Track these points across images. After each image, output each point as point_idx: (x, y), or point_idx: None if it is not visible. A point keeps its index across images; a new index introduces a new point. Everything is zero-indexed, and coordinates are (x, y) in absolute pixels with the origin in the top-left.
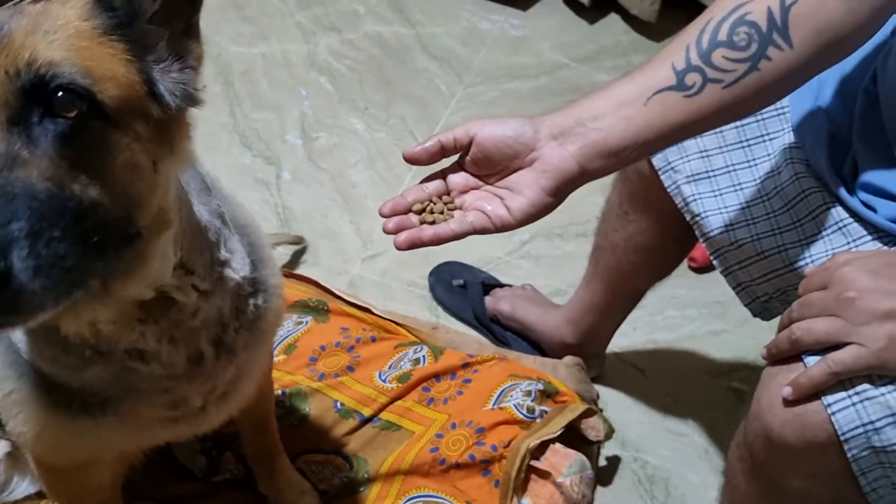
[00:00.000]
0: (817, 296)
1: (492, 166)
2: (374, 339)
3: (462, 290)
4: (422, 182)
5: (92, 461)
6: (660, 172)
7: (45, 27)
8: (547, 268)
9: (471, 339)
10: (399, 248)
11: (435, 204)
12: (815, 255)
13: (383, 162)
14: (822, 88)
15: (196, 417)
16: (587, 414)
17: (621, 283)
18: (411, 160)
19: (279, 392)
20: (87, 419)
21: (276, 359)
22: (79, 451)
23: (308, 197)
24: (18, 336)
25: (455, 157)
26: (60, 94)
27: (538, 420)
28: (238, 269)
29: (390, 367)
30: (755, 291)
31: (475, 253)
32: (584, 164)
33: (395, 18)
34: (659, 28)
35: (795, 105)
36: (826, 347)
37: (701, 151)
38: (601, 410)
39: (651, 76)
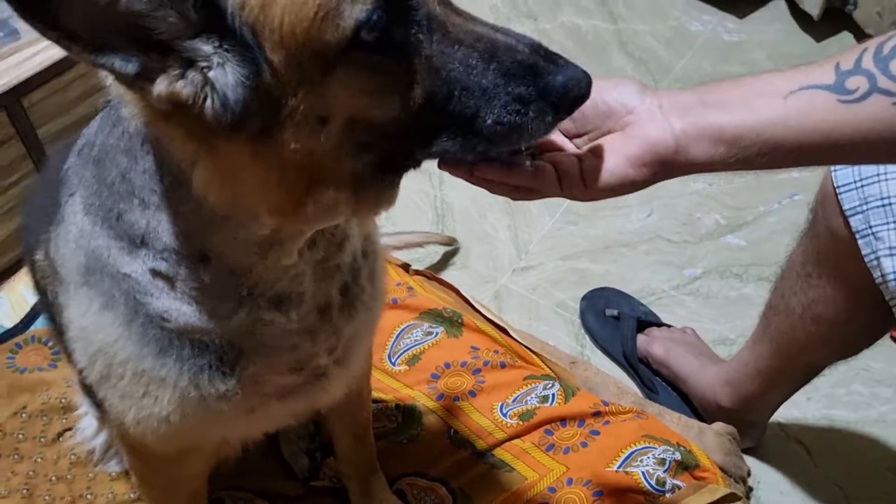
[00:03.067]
0: None
1: (584, 123)
2: (503, 366)
3: (614, 322)
4: None
5: (195, 448)
6: (857, 236)
7: None
8: (717, 310)
9: (610, 382)
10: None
11: None
12: None
13: None
14: None
15: (314, 385)
16: (730, 499)
17: (793, 354)
18: None
19: (393, 405)
20: (215, 390)
21: (397, 368)
22: (196, 431)
23: (469, 194)
24: (168, 304)
25: None
26: None
27: (668, 495)
28: None
29: (514, 400)
30: None
31: (636, 282)
32: (683, 142)
33: (598, 11)
34: None
35: None
36: None
37: None
38: (750, 491)
39: (805, 72)
